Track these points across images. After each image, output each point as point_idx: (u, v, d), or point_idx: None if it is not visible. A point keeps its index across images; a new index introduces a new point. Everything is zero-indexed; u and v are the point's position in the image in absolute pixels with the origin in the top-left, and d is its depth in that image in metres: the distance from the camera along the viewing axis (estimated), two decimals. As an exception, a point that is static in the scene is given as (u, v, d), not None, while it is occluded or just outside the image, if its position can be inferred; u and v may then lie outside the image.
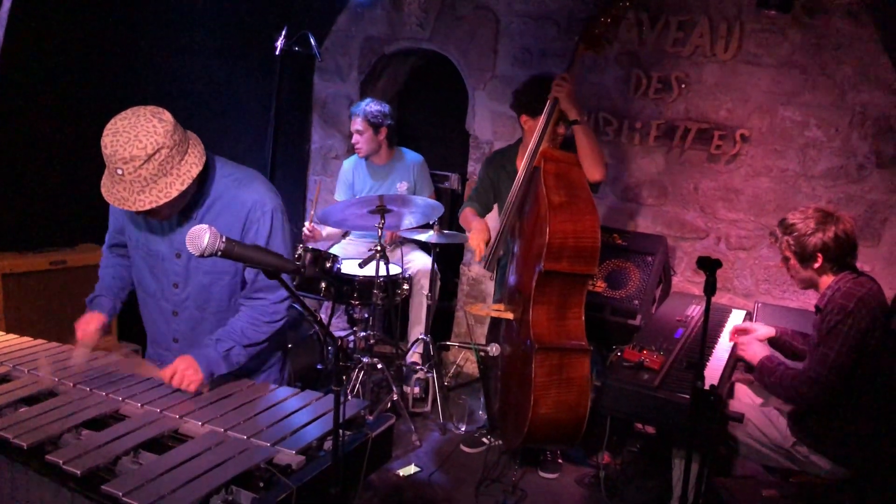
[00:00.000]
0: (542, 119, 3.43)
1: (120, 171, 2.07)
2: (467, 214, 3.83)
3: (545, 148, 3.43)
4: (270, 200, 2.39)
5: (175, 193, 2.12)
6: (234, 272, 2.45)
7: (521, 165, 3.48)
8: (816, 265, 2.87)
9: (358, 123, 4.66)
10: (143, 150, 2.04)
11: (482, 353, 3.93)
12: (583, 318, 3.34)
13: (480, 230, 3.65)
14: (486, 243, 3.63)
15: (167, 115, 2.13)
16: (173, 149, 2.10)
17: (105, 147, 2.08)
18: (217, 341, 2.37)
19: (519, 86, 3.74)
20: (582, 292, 3.34)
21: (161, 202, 2.11)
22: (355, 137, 4.72)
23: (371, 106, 4.64)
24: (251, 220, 2.36)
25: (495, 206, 3.92)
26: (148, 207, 2.11)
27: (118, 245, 2.65)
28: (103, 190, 2.17)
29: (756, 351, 3.11)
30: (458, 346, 5.08)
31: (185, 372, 2.28)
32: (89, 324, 2.52)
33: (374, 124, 4.65)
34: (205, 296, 2.47)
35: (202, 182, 2.32)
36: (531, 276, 3.29)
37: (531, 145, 3.45)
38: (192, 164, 2.17)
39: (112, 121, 2.11)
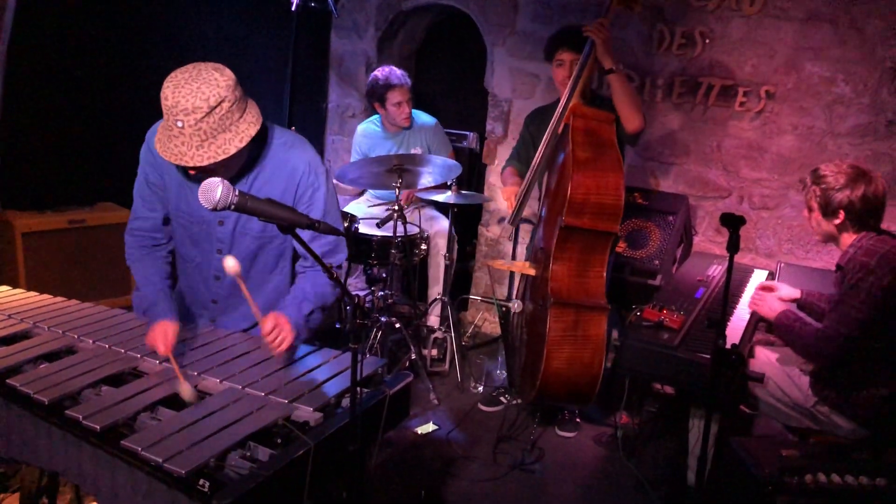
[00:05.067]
0: (580, 60, 3.39)
1: (180, 124, 2.02)
2: (507, 174, 3.86)
3: (575, 104, 3.38)
4: (318, 165, 2.39)
5: (233, 150, 2.08)
6: (284, 236, 2.37)
7: (555, 115, 3.45)
8: (837, 221, 2.82)
9: (405, 93, 4.58)
10: (205, 101, 2.00)
11: (504, 309, 3.93)
12: (604, 277, 3.32)
13: (514, 184, 3.71)
14: (517, 196, 3.66)
15: (228, 71, 2.10)
16: (234, 103, 2.07)
17: (166, 98, 2.02)
18: (296, 305, 2.33)
19: (554, 32, 3.74)
20: (605, 251, 3.31)
21: (219, 158, 2.06)
22: (402, 109, 4.60)
23: (402, 72, 4.59)
24: (305, 184, 2.34)
25: None
26: (206, 163, 2.06)
27: (155, 244, 2.53)
28: (159, 146, 2.11)
29: (773, 306, 3.07)
30: (481, 301, 5.06)
31: (284, 329, 2.22)
32: (167, 336, 2.18)
33: (413, 91, 4.63)
34: (251, 259, 2.47)
35: (256, 144, 2.28)
36: (553, 231, 3.27)
37: (565, 92, 3.41)
38: (251, 123, 2.13)
39: (172, 73, 2.07)
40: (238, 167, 2.27)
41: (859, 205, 2.76)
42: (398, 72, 4.58)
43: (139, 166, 2.45)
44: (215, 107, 2.02)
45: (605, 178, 3.22)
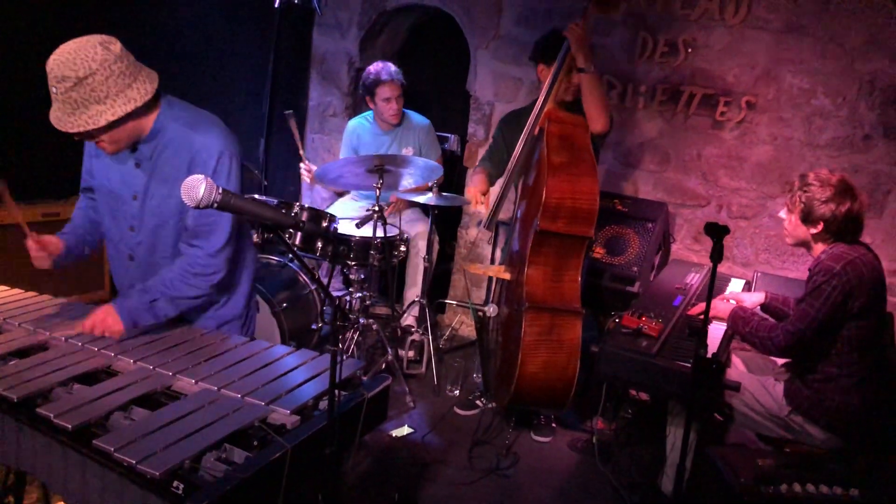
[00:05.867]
0: (555, 64, 3.40)
1: (54, 90, 2.12)
2: (473, 173, 3.84)
3: (550, 109, 3.40)
4: (219, 143, 2.35)
5: (103, 122, 2.13)
6: (179, 217, 2.41)
7: (530, 118, 3.45)
8: (815, 230, 2.86)
9: (395, 89, 4.52)
10: (73, 72, 2.08)
11: (480, 314, 3.92)
12: (579, 281, 3.33)
13: (477, 182, 3.68)
14: (484, 194, 3.64)
15: (116, 47, 2.16)
16: (109, 78, 2.12)
17: (47, 63, 2.12)
18: (142, 291, 2.35)
19: (539, 37, 3.73)
20: (579, 256, 3.32)
21: (89, 128, 2.14)
22: (390, 105, 4.55)
23: (396, 68, 4.54)
24: (195, 162, 2.32)
25: None
26: (75, 130, 2.14)
27: (88, 189, 2.64)
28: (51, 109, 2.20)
29: (722, 307, 3.15)
30: (457, 305, 5.06)
31: (105, 322, 2.29)
32: (49, 242, 2.47)
33: (404, 89, 4.58)
34: (153, 240, 2.46)
35: (160, 119, 2.32)
36: (528, 236, 3.28)
37: (542, 95, 3.42)
38: (131, 99, 2.17)
39: (67, 42, 2.14)
40: (128, 140, 2.30)
41: (841, 219, 2.79)
42: (391, 68, 4.54)
43: None
44: (84, 78, 2.08)
45: (580, 182, 3.23)
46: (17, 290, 2.66)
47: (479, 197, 3.65)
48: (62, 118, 2.14)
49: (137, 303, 2.33)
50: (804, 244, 2.97)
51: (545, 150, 3.26)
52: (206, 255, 2.38)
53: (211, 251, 2.38)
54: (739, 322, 2.99)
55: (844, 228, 2.82)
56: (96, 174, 2.51)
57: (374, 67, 4.56)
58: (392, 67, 4.54)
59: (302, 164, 4.45)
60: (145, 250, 2.47)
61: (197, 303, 2.45)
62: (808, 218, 2.85)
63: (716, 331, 3.21)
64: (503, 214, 3.86)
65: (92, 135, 2.20)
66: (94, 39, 2.13)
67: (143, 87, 2.20)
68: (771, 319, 3.01)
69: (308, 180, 4.46)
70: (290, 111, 4.36)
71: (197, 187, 1.70)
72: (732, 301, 3.34)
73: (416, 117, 4.81)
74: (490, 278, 4.48)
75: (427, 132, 4.80)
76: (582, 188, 3.23)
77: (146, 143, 2.33)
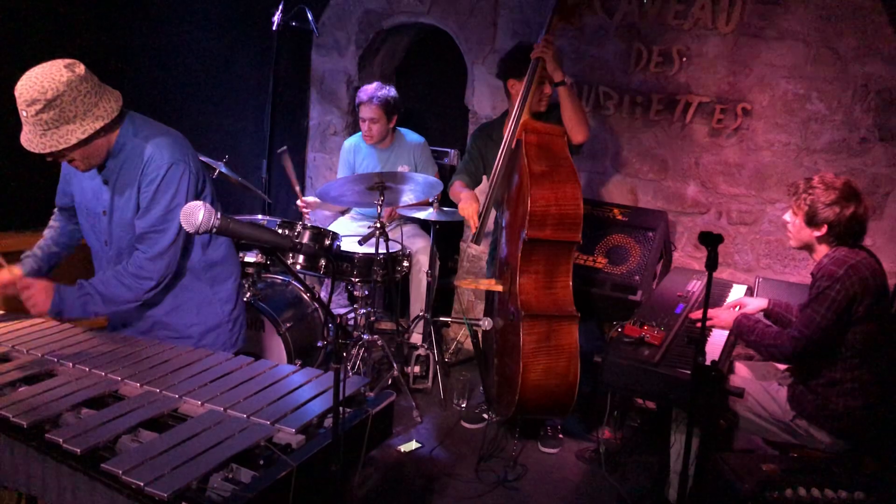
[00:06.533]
0: (525, 80, 3.47)
1: (24, 113, 2.21)
2: (456, 187, 3.86)
3: (526, 120, 3.47)
4: (169, 155, 2.43)
5: (74, 140, 2.23)
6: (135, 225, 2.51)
7: (506, 132, 3.50)
8: (819, 234, 2.87)
9: (372, 111, 4.52)
10: (42, 94, 2.17)
11: (475, 328, 3.95)
12: (570, 286, 3.38)
13: (470, 199, 3.68)
14: (479, 214, 3.66)
15: (80, 69, 2.25)
16: (77, 99, 2.21)
17: (16, 88, 2.22)
18: (81, 284, 2.47)
19: (504, 54, 3.80)
20: (568, 260, 3.38)
21: (60, 147, 2.23)
22: (367, 125, 4.58)
23: (383, 92, 4.51)
24: (146, 171, 2.42)
25: (485, 179, 3.92)
26: (48, 151, 2.24)
27: (64, 208, 2.75)
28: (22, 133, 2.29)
29: (725, 317, 3.16)
30: (451, 321, 5.08)
31: (38, 294, 2.42)
32: (6, 274, 2.56)
33: (388, 112, 4.57)
34: (120, 251, 2.56)
35: (122, 135, 2.42)
36: (517, 246, 3.32)
37: (515, 108, 3.48)
38: (98, 118, 2.27)
39: (34, 67, 2.23)
40: (98, 157, 2.41)
41: (844, 223, 2.81)
42: (377, 91, 4.52)
43: None
44: (53, 100, 2.18)
45: (563, 189, 3.29)
46: (23, 317, 2.69)
47: (476, 217, 3.64)
48: (33, 140, 2.24)
49: (73, 293, 2.44)
50: (807, 247, 2.98)
51: (525, 161, 3.32)
52: (145, 258, 2.47)
53: (151, 255, 2.47)
54: (744, 330, 3.01)
55: (848, 232, 2.84)
56: (75, 192, 2.61)
57: (365, 86, 4.60)
58: (379, 91, 4.51)
59: (298, 202, 4.54)
60: (117, 262, 2.57)
61: (129, 307, 2.54)
62: (811, 221, 2.88)
63: (717, 338, 3.23)
64: (487, 227, 3.90)
65: (63, 154, 2.29)
66: (59, 63, 2.23)
67: (109, 105, 2.31)
68: (774, 326, 3.02)
69: (307, 214, 4.55)
70: (284, 148, 4.46)
71: (195, 213, 1.74)
72: (737, 308, 3.36)
73: (409, 135, 4.83)
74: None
75: (422, 150, 4.82)
76: (565, 194, 3.29)
77: (112, 159, 2.44)
